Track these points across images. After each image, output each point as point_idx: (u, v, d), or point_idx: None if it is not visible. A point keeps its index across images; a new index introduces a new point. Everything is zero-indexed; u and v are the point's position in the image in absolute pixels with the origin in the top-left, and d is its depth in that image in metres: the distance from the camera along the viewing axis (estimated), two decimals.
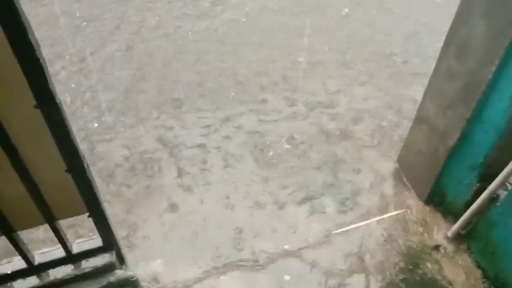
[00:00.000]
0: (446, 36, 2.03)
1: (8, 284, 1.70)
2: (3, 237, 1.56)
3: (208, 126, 2.88)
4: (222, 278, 2.02)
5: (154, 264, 2.03)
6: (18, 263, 1.69)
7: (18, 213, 1.50)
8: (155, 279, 1.97)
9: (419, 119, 2.38)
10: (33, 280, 1.71)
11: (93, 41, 3.70)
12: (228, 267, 2.07)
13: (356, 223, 2.32)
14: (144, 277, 1.96)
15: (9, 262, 1.71)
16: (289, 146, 2.75)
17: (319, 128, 2.88)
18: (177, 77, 3.33)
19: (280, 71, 3.41)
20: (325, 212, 2.36)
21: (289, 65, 3.47)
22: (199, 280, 2.00)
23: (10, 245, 1.61)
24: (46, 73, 1.10)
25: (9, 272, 1.68)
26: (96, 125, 2.87)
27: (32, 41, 1.03)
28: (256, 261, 2.10)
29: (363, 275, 2.09)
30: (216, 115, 2.97)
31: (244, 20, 4.00)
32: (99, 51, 3.58)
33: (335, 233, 2.27)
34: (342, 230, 2.29)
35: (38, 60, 1.05)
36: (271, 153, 2.69)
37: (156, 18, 4.00)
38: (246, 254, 2.14)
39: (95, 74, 3.32)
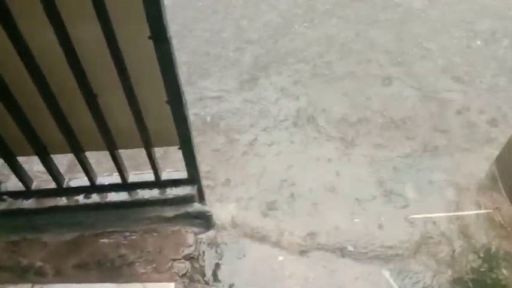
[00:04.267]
0: None
1: (104, 194, 1.95)
2: (106, 153, 1.78)
3: None
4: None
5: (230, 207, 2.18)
6: (115, 178, 1.92)
7: (122, 134, 1.70)
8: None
9: None
10: (124, 195, 1.94)
11: None
12: None
13: (437, 213, 2.24)
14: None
15: (108, 175, 1.95)
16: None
17: None
18: None
19: None
20: (407, 197, 2.31)
21: None
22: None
23: (110, 163, 1.84)
24: (162, 6, 1.22)
25: (106, 184, 1.92)
26: None
27: None
28: None
29: (432, 265, 2.04)
30: None
31: None
32: None
33: (412, 217, 2.22)
34: (420, 216, 2.23)
35: None
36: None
37: None
38: None
39: None
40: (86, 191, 1.94)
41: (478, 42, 3.23)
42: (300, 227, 2.14)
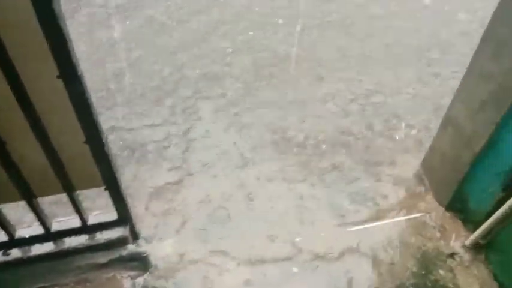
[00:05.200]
0: (483, 34, 1.95)
1: (26, 247, 1.78)
2: (23, 203, 1.62)
3: None
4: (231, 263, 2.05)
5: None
6: (36, 229, 1.76)
7: (39, 180, 1.56)
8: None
9: (447, 121, 2.30)
10: (49, 246, 1.78)
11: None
12: None
13: (372, 222, 2.29)
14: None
15: (29, 227, 1.79)
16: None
17: None
18: None
19: None
20: (341, 207, 2.34)
21: None
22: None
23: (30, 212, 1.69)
24: (69, 44, 1.14)
25: (27, 236, 1.76)
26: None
27: (56, 12, 1.06)
28: None
29: (373, 275, 2.06)
30: None
31: None
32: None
33: (349, 230, 2.25)
34: (357, 227, 2.27)
35: (62, 30, 1.09)
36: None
37: None
38: None
39: None
40: (4, 246, 1.76)
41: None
42: (244, 256, 2.10)
